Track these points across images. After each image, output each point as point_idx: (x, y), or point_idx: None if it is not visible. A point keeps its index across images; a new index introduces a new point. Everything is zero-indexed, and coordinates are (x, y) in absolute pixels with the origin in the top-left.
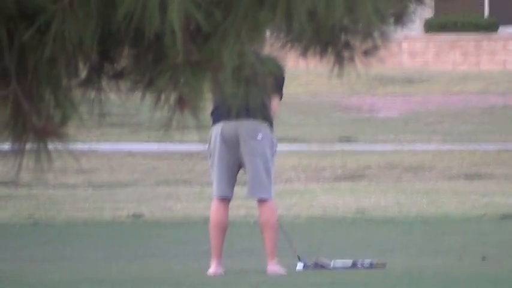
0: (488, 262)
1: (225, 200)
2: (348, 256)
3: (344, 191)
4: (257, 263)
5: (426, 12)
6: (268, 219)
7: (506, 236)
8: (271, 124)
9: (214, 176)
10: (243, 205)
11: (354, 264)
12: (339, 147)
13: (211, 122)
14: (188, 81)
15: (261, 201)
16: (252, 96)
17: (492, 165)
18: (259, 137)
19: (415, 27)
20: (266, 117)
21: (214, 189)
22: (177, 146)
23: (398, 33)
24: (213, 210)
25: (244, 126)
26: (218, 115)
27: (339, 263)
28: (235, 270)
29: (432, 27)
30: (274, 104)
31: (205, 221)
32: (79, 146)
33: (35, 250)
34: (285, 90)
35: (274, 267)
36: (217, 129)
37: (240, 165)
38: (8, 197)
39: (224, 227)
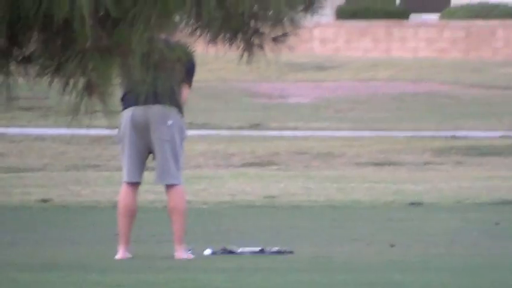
0: (396, 249)
1: (135, 185)
2: (256, 242)
3: (253, 177)
4: (165, 248)
5: None
6: (177, 205)
7: (414, 223)
8: (181, 110)
9: (124, 161)
10: (151, 190)
11: (262, 251)
12: (248, 133)
13: (121, 107)
14: (97, 66)
15: (169, 186)
16: (161, 82)
17: (402, 152)
18: (169, 123)
19: (326, 14)
20: (176, 103)
21: (124, 174)
22: (86, 131)
23: (309, 20)
24: (122, 195)
25: (154, 112)
26: (128, 100)
27: (247, 248)
28: (143, 256)
29: (343, 14)
30: (185, 91)
31: (114, 205)
32: None
33: None
34: (195, 77)
35: (181, 253)
36: (127, 115)
37: (149, 151)
38: None
39: (133, 212)
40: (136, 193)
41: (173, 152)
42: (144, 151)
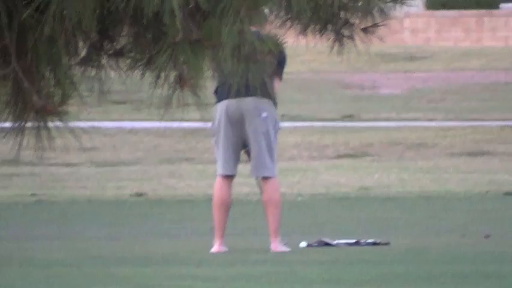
0: (491, 240)
1: (229, 178)
2: (351, 234)
3: (347, 168)
4: (261, 241)
5: None
6: (272, 197)
7: (509, 213)
8: (275, 102)
9: (219, 154)
10: (246, 183)
11: (357, 242)
12: (341, 124)
13: (215, 100)
14: (188, 59)
15: (264, 179)
16: (252, 74)
17: (495, 142)
18: (264, 115)
19: (416, 4)
20: (269, 95)
21: (219, 167)
22: (179, 123)
23: (399, 11)
24: (217, 188)
25: (248, 105)
26: (221, 93)
27: (342, 240)
28: (239, 249)
29: (434, 4)
30: (276, 83)
31: (209, 199)
32: (81, 124)
33: (38, 229)
34: (286, 69)
35: (277, 246)
36: (221, 108)
37: (244, 144)
38: (11, 175)
39: (227, 206)
40: (231, 186)
41: (268, 144)
42: (238, 144)
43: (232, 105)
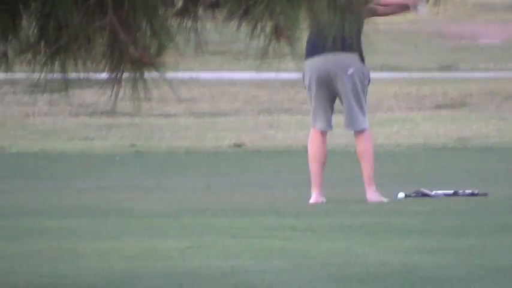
0: None
1: (322, 132)
2: (449, 185)
3: (445, 119)
4: (358, 192)
5: None
6: (365, 149)
7: None
8: (362, 56)
9: (311, 108)
10: (343, 134)
11: (455, 193)
12: (439, 75)
13: (304, 56)
14: (284, 10)
15: (357, 132)
16: (348, 25)
17: None
18: (350, 71)
19: None
20: (358, 49)
21: (313, 121)
22: (277, 74)
23: None
24: (312, 141)
25: (335, 61)
26: (311, 49)
27: (440, 190)
28: (336, 200)
29: None
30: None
31: (306, 149)
32: (179, 75)
33: (136, 180)
34: (385, 19)
35: (372, 195)
36: (310, 65)
37: (335, 97)
38: (110, 126)
39: (323, 158)
40: (325, 140)
41: (357, 99)
42: (330, 99)
43: (320, 63)
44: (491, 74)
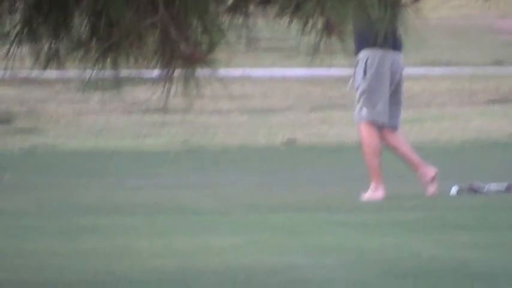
0: None
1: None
2: (502, 180)
3: (497, 114)
4: (411, 187)
5: None
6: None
7: None
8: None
9: (378, 103)
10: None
11: (508, 188)
12: (492, 70)
13: (381, 44)
14: (335, 5)
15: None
16: (400, 21)
17: None
18: (404, 70)
19: None
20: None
21: (373, 116)
22: (329, 71)
23: None
24: (372, 136)
25: (400, 61)
26: (392, 41)
27: (493, 186)
28: (388, 195)
29: None
30: None
31: (359, 146)
32: (231, 72)
33: (189, 176)
34: (438, 14)
35: (431, 189)
36: (386, 58)
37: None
38: (162, 123)
39: (381, 152)
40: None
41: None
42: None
43: (396, 59)
44: None
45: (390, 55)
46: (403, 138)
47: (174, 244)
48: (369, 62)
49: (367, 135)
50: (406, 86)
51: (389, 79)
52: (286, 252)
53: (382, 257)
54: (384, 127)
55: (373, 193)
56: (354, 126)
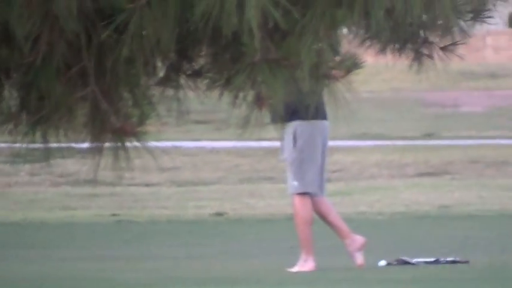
0: None
1: (313, 197)
2: (430, 253)
3: (427, 187)
4: (340, 259)
5: (511, 7)
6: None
7: None
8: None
9: (308, 172)
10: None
11: (436, 262)
12: (422, 143)
13: (313, 116)
14: (266, 79)
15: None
16: (329, 92)
17: None
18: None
19: (496, 22)
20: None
21: (304, 186)
22: (259, 143)
23: (481, 29)
24: (305, 206)
25: (327, 128)
26: (320, 111)
27: (421, 260)
28: (319, 267)
29: None
30: None
31: (288, 218)
32: (161, 144)
33: (118, 249)
34: (369, 87)
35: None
36: (318, 127)
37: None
38: (91, 195)
39: (311, 223)
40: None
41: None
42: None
43: (326, 127)
44: (473, 142)
45: (320, 124)
46: (332, 207)
47: None
48: (298, 132)
49: (300, 206)
50: (336, 159)
51: (321, 148)
52: None
53: None
54: (314, 196)
55: (304, 264)
56: (283, 198)
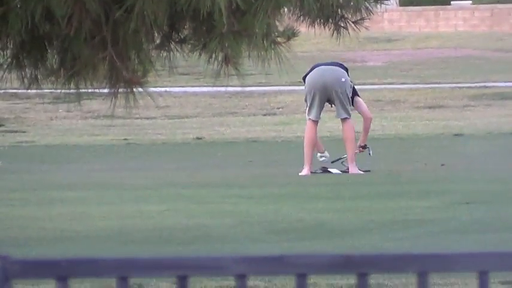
0: (446, 167)
1: (315, 122)
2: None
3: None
4: (284, 170)
5: None
6: (348, 135)
7: (457, 149)
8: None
9: (311, 106)
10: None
11: (347, 171)
12: None
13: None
14: (231, 44)
15: (342, 120)
16: (277, 54)
17: (447, 98)
18: (342, 80)
19: (391, 3)
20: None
21: (311, 114)
22: (226, 88)
23: (379, 8)
24: (308, 129)
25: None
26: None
27: (337, 171)
28: (270, 174)
29: (405, 2)
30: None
31: (248, 141)
32: (157, 90)
33: (128, 163)
34: (302, 49)
35: (353, 169)
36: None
37: (329, 99)
38: (109, 126)
39: (314, 142)
40: (316, 128)
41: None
42: (324, 99)
43: (318, 72)
44: (375, 87)
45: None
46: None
47: (118, 210)
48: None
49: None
50: (280, 99)
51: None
52: (196, 216)
53: (264, 219)
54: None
55: (306, 170)
56: (243, 127)
